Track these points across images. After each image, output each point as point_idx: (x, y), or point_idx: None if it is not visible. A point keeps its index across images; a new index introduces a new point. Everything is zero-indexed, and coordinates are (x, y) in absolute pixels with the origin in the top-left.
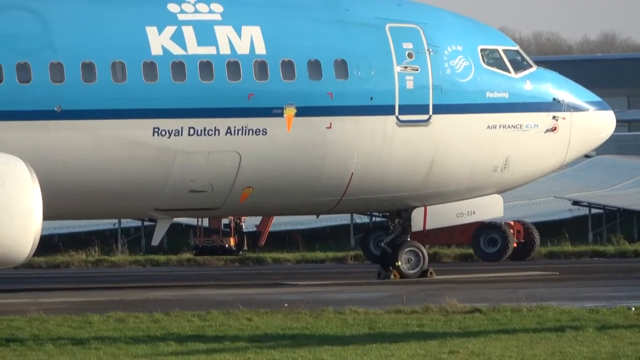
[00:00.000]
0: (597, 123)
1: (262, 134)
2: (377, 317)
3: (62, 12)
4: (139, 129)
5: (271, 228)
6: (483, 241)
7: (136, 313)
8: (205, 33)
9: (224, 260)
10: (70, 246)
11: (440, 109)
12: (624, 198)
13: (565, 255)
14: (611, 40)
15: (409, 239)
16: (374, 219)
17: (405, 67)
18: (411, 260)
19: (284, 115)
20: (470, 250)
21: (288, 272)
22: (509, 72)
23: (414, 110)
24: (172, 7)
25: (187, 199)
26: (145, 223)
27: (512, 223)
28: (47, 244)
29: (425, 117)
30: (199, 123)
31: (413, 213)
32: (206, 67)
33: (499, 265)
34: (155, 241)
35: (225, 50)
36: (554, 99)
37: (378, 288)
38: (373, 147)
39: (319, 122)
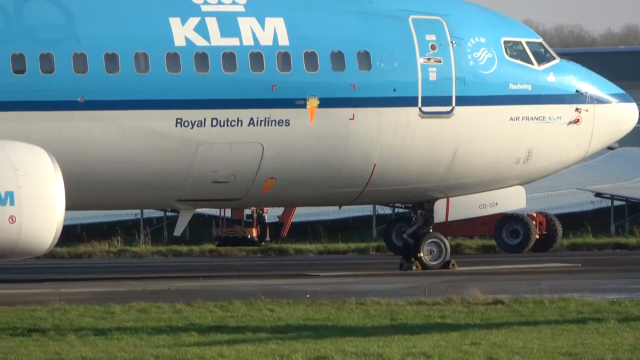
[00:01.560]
0: (620, 115)
1: (285, 125)
2: (399, 308)
3: (85, 2)
4: (162, 120)
5: (293, 219)
6: (505, 233)
7: (158, 303)
8: (228, 24)
9: (246, 251)
10: (93, 236)
11: (463, 100)
12: None
13: (587, 247)
14: (634, 32)
15: (431, 231)
16: (396, 210)
17: (429, 59)
18: (433, 251)
19: (307, 107)
20: (493, 242)
21: (310, 263)
22: (532, 64)
23: (437, 101)
24: None
25: (210, 189)
26: (168, 214)
27: (534, 215)
28: (69, 234)
29: (448, 108)
30: (222, 114)
31: (435, 204)
32: (229, 58)
33: (521, 256)
34: (178, 232)
35: (248, 41)
36: (577, 91)
37: (400, 279)
38: (396, 139)
39: (342, 113)
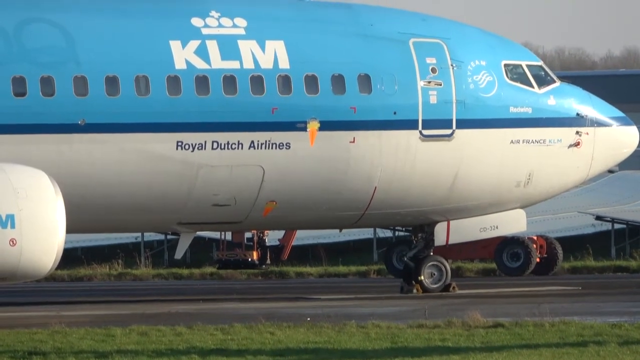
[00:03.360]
0: (621, 138)
1: (286, 148)
2: (399, 331)
3: (86, 25)
4: (163, 143)
5: (294, 242)
6: (506, 256)
7: (159, 326)
8: (229, 47)
9: (246, 274)
10: (93, 259)
11: (463, 123)
12: None
13: (588, 270)
14: (635, 55)
15: (431, 254)
16: (397, 233)
17: (429, 82)
18: (434, 274)
19: (308, 130)
20: (493, 265)
21: (311, 286)
22: (533, 87)
23: (438, 124)
24: (196, 22)
25: (211, 212)
26: (168, 236)
27: (535, 238)
28: (70, 257)
29: (448, 131)
30: (223, 137)
31: (436, 227)
32: (230, 81)
33: (521, 279)
34: (179, 255)
35: (249, 64)
36: (578, 114)
37: (401, 302)
38: (396, 162)
39: (343, 136)
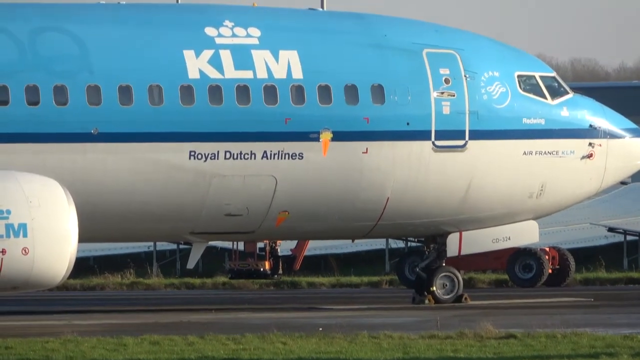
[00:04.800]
0: (633, 150)
1: (299, 158)
2: (411, 342)
3: (100, 34)
4: (176, 152)
5: (306, 252)
6: (518, 267)
7: (171, 336)
8: (242, 57)
9: (259, 284)
10: (106, 268)
11: (476, 134)
12: None
13: (600, 281)
14: None
15: (444, 264)
16: (409, 244)
17: (442, 93)
18: (446, 285)
19: (320, 140)
20: (505, 276)
21: (323, 296)
22: (546, 98)
23: (451, 135)
24: (210, 31)
25: (223, 222)
26: (181, 246)
27: (547, 249)
28: (82, 266)
29: (461, 142)
30: (236, 147)
31: (448, 238)
32: (243, 91)
33: (533, 291)
34: (191, 264)
35: (262, 74)
36: (591, 126)
37: (413, 313)
38: (409, 172)
39: (356, 146)
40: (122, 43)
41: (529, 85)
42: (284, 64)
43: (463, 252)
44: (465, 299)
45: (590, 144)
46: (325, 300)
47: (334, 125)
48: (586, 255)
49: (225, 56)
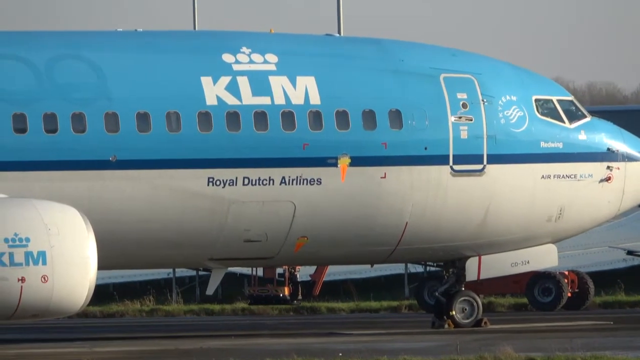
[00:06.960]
0: None
1: (317, 184)
2: None
3: (117, 61)
4: (194, 179)
5: (325, 277)
6: (537, 291)
7: None
8: (260, 83)
9: (278, 310)
10: (125, 295)
11: (494, 158)
12: None
13: (619, 305)
14: None
15: (463, 289)
16: (428, 268)
17: (460, 117)
18: (465, 309)
19: (339, 165)
20: (525, 300)
21: (342, 321)
22: (564, 122)
23: (468, 160)
24: (227, 58)
25: (242, 248)
26: (200, 272)
27: (566, 273)
28: (102, 293)
29: (479, 167)
30: (254, 173)
31: (467, 262)
32: (261, 117)
33: (553, 314)
34: (210, 291)
35: (279, 100)
36: (609, 149)
37: (432, 337)
38: (427, 197)
39: (374, 172)
40: (140, 70)
41: (546, 109)
42: (302, 90)
43: (482, 276)
44: (485, 323)
45: (608, 167)
46: (344, 326)
47: (352, 150)
48: (605, 279)
49: (243, 82)
